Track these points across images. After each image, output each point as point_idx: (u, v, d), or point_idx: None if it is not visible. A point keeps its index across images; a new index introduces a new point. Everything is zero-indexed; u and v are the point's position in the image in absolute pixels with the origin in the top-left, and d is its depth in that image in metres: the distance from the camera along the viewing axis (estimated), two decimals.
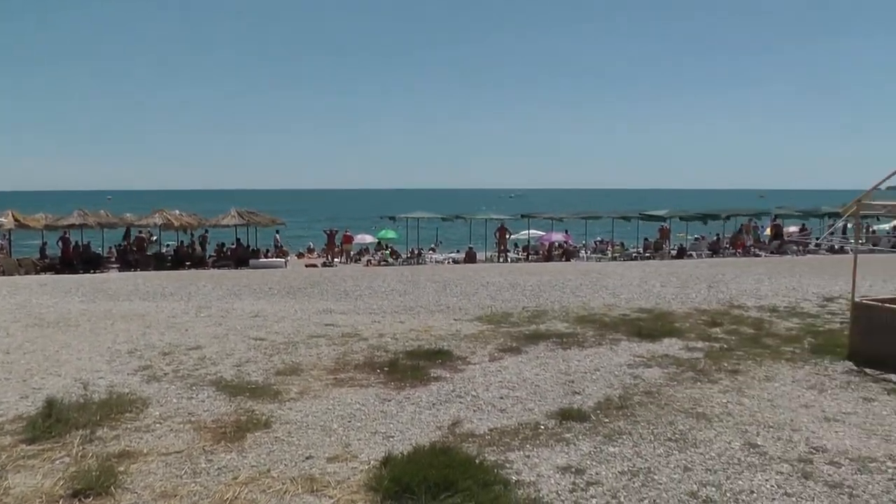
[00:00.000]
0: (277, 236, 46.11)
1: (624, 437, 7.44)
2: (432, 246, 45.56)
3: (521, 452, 6.98)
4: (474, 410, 8.36)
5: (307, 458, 6.83)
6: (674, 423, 7.85)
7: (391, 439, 7.36)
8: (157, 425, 7.77)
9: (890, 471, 6.67)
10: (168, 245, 39.96)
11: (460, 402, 8.65)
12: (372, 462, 6.68)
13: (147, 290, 19.44)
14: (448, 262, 36.19)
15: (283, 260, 36.32)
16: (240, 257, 35.05)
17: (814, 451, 7.12)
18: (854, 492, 6.19)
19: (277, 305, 16.21)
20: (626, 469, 6.59)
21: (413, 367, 10.20)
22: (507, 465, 6.63)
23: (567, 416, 8.06)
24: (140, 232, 37.57)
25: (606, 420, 7.98)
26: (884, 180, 11.27)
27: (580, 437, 7.40)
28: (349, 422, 7.89)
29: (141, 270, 30.88)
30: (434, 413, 8.25)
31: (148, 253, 35.72)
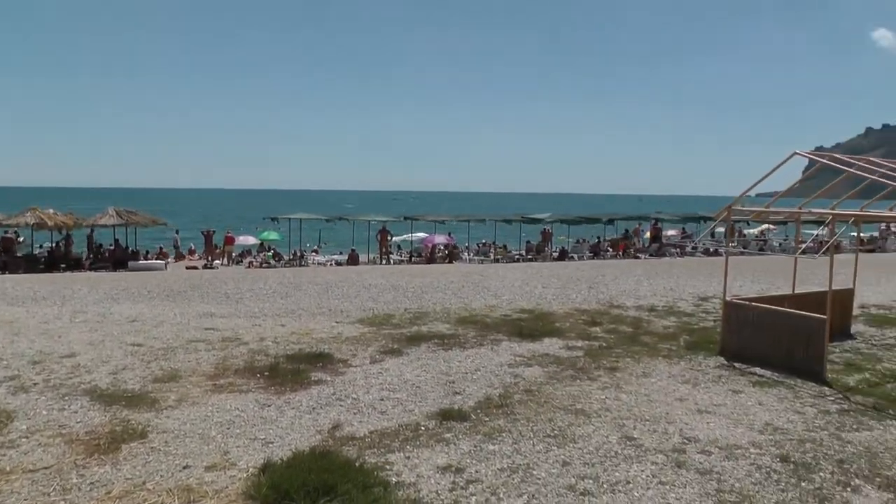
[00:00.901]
0: (177, 236, 44.51)
1: (504, 434, 7.60)
2: (315, 247, 45.05)
3: (402, 454, 7.02)
4: (355, 413, 8.34)
5: (184, 467, 6.63)
6: (553, 420, 8.09)
7: (271, 445, 7.25)
8: (24, 440, 7.32)
9: (753, 456, 7.17)
10: (42, 246, 37.72)
11: (341, 406, 8.62)
12: (251, 469, 6.57)
13: (16, 295, 18.31)
14: (331, 264, 36.01)
15: (162, 262, 35.00)
16: (118, 259, 33.52)
17: (687, 442, 7.52)
18: (722, 477, 6.62)
19: (156, 309, 15.64)
20: (505, 466, 6.75)
21: (294, 370, 10.09)
22: (388, 467, 6.65)
23: (447, 416, 8.17)
24: (6, 232, 35.28)
25: (486, 419, 8.13)
26: (750, 188, 12.08)
27: (460, 437, 7.51)
28: (228, 429, 7.72)
29: (10, 273, 29.04)
30: (314, 417, 8.19)
31: (18, 254, 33.57)
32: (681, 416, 8.37)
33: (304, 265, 36.33)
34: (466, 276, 22.63)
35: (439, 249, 39.17)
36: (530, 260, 36.58)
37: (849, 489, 6.52)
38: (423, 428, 7.82)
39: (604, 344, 12.26)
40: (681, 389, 9.55)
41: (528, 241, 41.55)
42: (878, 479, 6.75)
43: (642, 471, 6.69)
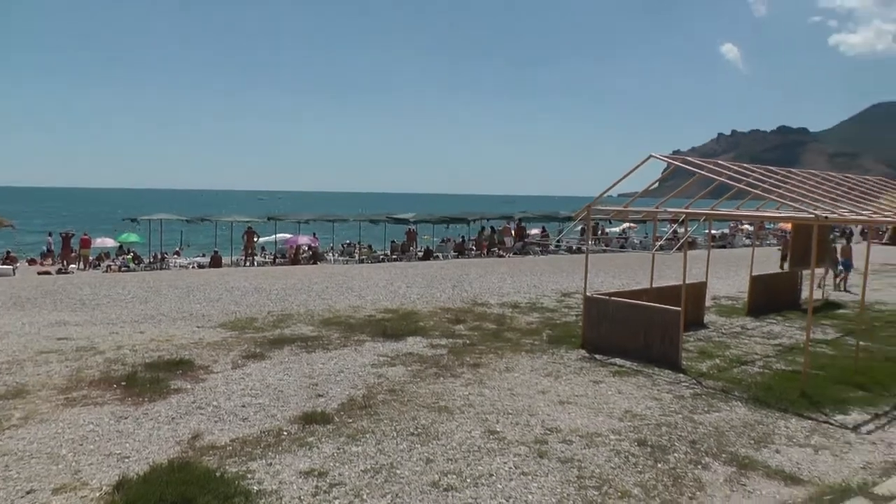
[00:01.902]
0: (50, 239, 41.34)
1: (367, 435, 7.60)
2: (177, 249, 43.43)
3: (264, 461, 6.89)
4: (216, 421, 8.11)
5: (28, 492, 6.17)
6: (416, 419, 8.16)
7: (127, 460, 6.92)
8: None
9: (612, 442, 7.51)
10: None
11: (201, 414, 8.36)
12: (104, 488, 6.23)
13: None
14: (193, 267, 34.88)
15: (10, 267, 32.61)
16: None
17: (549, 432, 7.77)
18: (583, 464, 6.90)
19: (2, 319, 14.60)
20: (369, 467, 6.75)
21: (152, 379, 9.68)
22: (249, 476, 6.51)
23: (310, 419, 8.09)
24: None
25: (350, 420, 8.11)
26: (609, 189, 12.67)
27: (323, 440, 7.45)
28: (80, 445, 7.30)
29: None
30: (173, 427, 7.89)
31: None
32: (543, 408, 8.64)
33: (164, 268, 35.03)
34: (331, 277, 22.47)
35: (303, 250, 38.66)
36: (395, 260, 36.70)
37: (699, 467, 6.99)
38: (285, 433, 7.70)
39: (468, 341, 12.47)
40: (543, 382, 9.86)
41: (393, 241, 41.67)
42: (724, 456, 7.29)
43: (505, 463, 6.86)
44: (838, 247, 20.10)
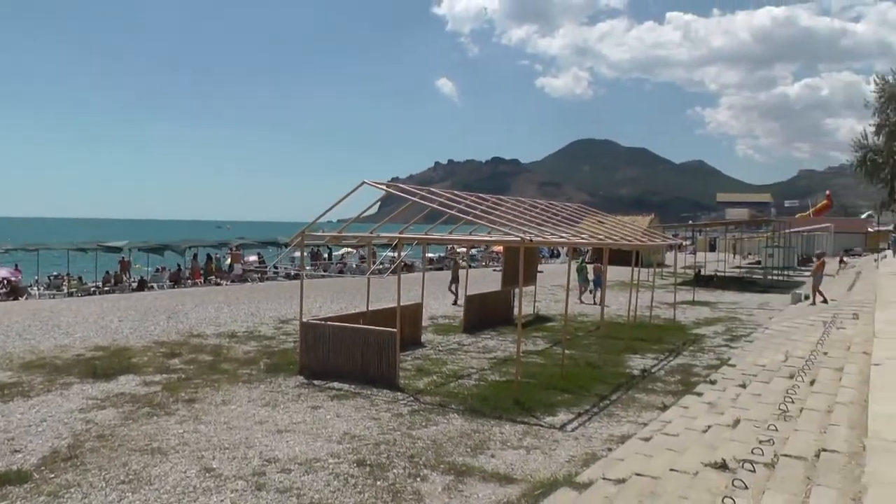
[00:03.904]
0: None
1: (72, 490, 7.02)
2: None
3: None
4: None
5: None
6: (128, 464, 7.70)
7: None
8: None
9: (331, 466, 7.65)
10: None
11: None
12: None
13: None
14: None
15: None
16: None
17: (267, 463, 7.71)
18: (301, 492, 6.95)
19: None
20: None
21: None
22: None
23: (3, 480, 7.27)
24: None
25: (52, 475, 7.42)
26: (323, 214, 12.92)
27: (18, 503, 6.77)
28: None
29: None
30: None
31: None
32: (261, 439, 8.55)
33: None
34: (35, 313, 20.41)
35: (2, 285, 34.76)
36: (108, 292, 34.27)
37: (418, 479, 7.34)
38: None
39: (183, 376, 12.01)
40: (261, 412, 9.76)
41: (106, 272, 38.87)
42: (442, 466, 7.72)
43: (222, 500, 6.71)
44: (590, 267, 22.02)
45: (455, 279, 24.15)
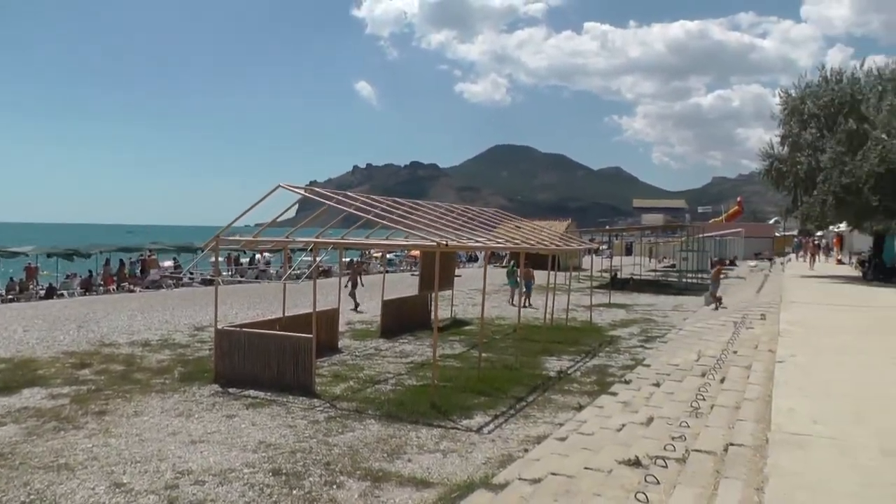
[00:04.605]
0: None
1: None
2: None
3: None
4: None
5: None
6: (30, 483, 7.34)
7: None
8: None
9: (246, 476, 7.50)
10: None
11: None
12: None
13: None
14: None
15: None
16: None
17: (180, 476, 7.51)
18: (216, 503, 6.75)
19: None
20: None
21: None
22: None
23: None
24: None
25: None
26: (237, 219, 12.68)
27: None
28: None
29: None
30: None
31: None
32: (174, 451, 8.33)
33: None
34: None
35: None
36: (12, 300, 32.85)
37: (334, 486, 7.27)
38: None
39: (93, 387, 11.60)
40: (174, 423, 9.51)
41: (10, 279, 37.24)
42: (358, 472, 7.66)
43: None
44: (520, 270, 22.14)
45: (355, 284, 23.89)
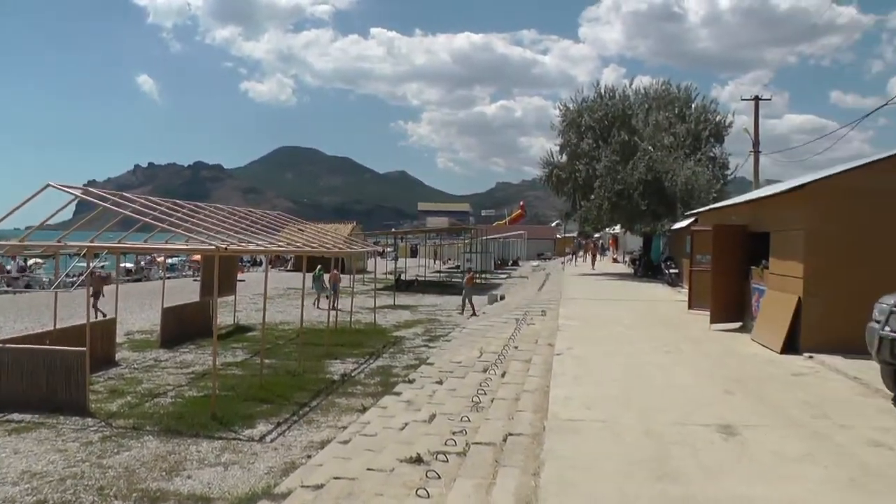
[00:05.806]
0: None
1: None
2: None
3: None
4: None
5: None
6: None
7: None
8: None
9: None
10: None
11: None
12: None
13: None
14: None
15: None
16: None
17: None
18: None
19: None
20: None
21: None
22: None
23: None
24: None
25: None
26: (2, 219, 11.48)
27: None
28: None
29: None
30: None
31: None
32: None
33: None
34: None
35: None
36: None
37: None
38: None
39: None
40: None
41: None
42: (134, 495, 7.23)
43: None
44: (327, 275, 21.45)
45: (97, 294, 20.88)
